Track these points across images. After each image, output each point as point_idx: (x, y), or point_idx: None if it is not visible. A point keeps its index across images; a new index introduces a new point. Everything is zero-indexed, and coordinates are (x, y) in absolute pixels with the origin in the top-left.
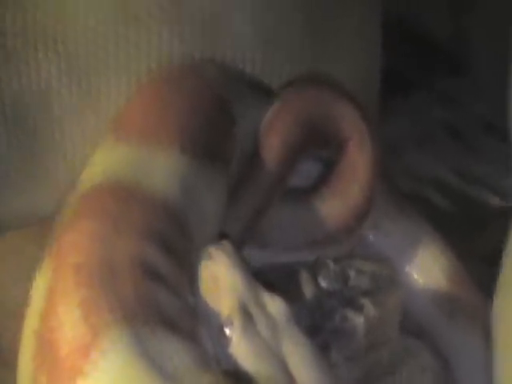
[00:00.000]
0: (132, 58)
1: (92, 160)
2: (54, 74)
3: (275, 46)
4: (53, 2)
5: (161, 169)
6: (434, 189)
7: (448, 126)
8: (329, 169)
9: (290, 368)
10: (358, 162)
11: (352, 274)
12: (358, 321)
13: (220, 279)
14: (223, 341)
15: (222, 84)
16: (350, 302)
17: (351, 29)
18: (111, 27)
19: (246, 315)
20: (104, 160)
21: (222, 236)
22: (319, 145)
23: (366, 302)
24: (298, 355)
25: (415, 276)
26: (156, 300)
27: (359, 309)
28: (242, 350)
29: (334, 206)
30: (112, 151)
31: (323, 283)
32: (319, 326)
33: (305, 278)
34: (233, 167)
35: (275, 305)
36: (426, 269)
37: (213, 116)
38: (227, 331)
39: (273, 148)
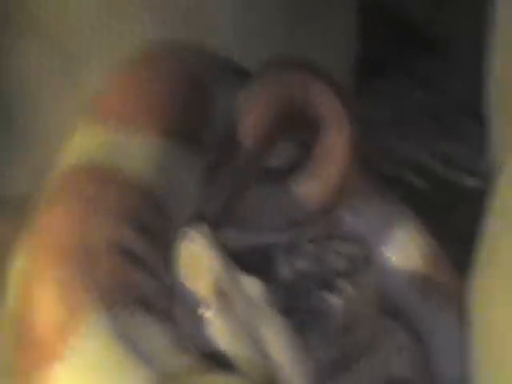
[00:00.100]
0: (115, 46)
1: (69, 143)
2: (35, 61)
3: (254, 33)
4: None
5: (138, 151)
6: (411, 170)
7: (426, 109)
8: (306, 151)
9: (266, 349)
10: (335, 144)
11: (329, 255)
12: (335, 302)
13: (197, 260)
14: (200, 322)
15: (199, 67)
16: (326, 283)
17: (327, 14)
18: (94, 15)
19: (223, 296)
20: (81, 143)
21: (200, 217)
22: (296, 127)
23: (343, 283)
24: (274, 336)
25: (391, 256)
26: (133, 281)
27: (336, 290)
28: (218, 331)
29: (311, 188)
30: (89, 134)
31: (300, 264)
32: (296, 307)
33: (281, 259)
34: (210, 149)
35: (252, 286)
36: (402, 249)
37: (190, 99)
38: (204, 312)
39: (249, 130)
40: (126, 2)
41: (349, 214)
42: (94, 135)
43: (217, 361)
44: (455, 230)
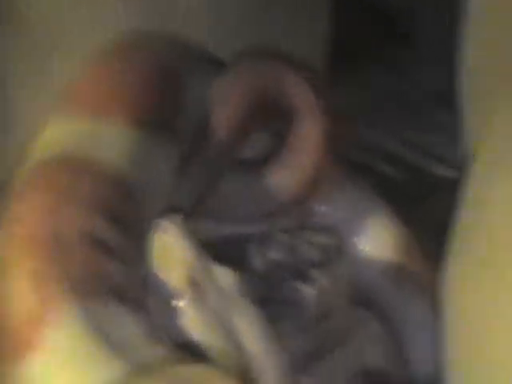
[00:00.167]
0: (86, 36)
1: (42, 133)
2: (7, 50)
3: (227, 23)
4: None
5: (111, 141)
6: (383, 159)
7: (397, 97)
8: (280, 141)
9: (239, 339)
10: (308, 134)
11: (302, 245)
12: (308, 292)
13: (170, 251)
14: (173, 312)
15: (172, 57)
16: (299, 274)
17: (300, 3)
18: (66, 4)
19: (196, 287)
20: (54, 133)
21: (173, 208)
22: (270, 117)
23: (316, 274)
24: (247, 327)
25: (364, 246)
26: (105, 272)
27: (309, 280)
28: (191, 321)
29: (285, 178)
30: (62, 124)
31: (273, 255)
32: (269, 297)
33: (254, 249)
34: (183, 139)
35: (225, 276)
36: (375, 238)
37: (163, 89)
38: (177, 303)
39: (223, 120)
40: None
41: (322, 205)
42: (67, 125)
43: (190, 351)
44: (428, 219)
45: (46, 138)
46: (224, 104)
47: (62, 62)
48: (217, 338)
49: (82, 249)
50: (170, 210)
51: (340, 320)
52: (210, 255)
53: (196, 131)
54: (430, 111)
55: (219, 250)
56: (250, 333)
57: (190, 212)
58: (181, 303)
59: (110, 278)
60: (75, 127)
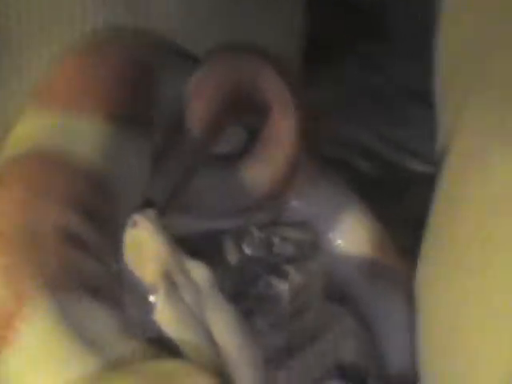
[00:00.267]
0: (57, 31)
1: (15, 128)
2: None
3: (200, 18)
4: None
5: (84, 136)
6: (358, 154)
7: (371, 92)
8: (254, 136)
9: (213, 335)
10: (282, 129)
11: (276, 240)
12: (283, 287)
13: (144, 246)
14: (147, 308)
15: (145, 52)
16: (274, 269)
17: None
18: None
19: (170, 282)
20: (27, 128)
21: (147, 203)
22: (244, 112)
23: (290, 269)
24: (221, 322)
25: (338, 241)
26: (79, 267)
27: (283, 276)
28: (165, 316)
29: (259, 173)
30: (35, 119)
31: (247, 250)
32: (243, 292)
33: (229, 244)
34: (157, 134)
35: (199, 271)
36: (349, 234)
37: (136, 83)
38: (151, 298)
39: (196, 114)
40: None
41: (296, 200)
42: (39, 120)
43: (164, 347)
44: (403, 215)
45: (18, 133)
46: (198, 98)
47: (32, 57)
48: (191, 334)
49: (55, 244)
50: (144, 204)
51: (314, 315)
52: (184, 250)
53: (170, 125)
54: (403, 105)
55: (194, 245)
56: (225, 328)
57: (164, 207)
58: (155, 298)
59: (83, 273)
60: (47, 122)
